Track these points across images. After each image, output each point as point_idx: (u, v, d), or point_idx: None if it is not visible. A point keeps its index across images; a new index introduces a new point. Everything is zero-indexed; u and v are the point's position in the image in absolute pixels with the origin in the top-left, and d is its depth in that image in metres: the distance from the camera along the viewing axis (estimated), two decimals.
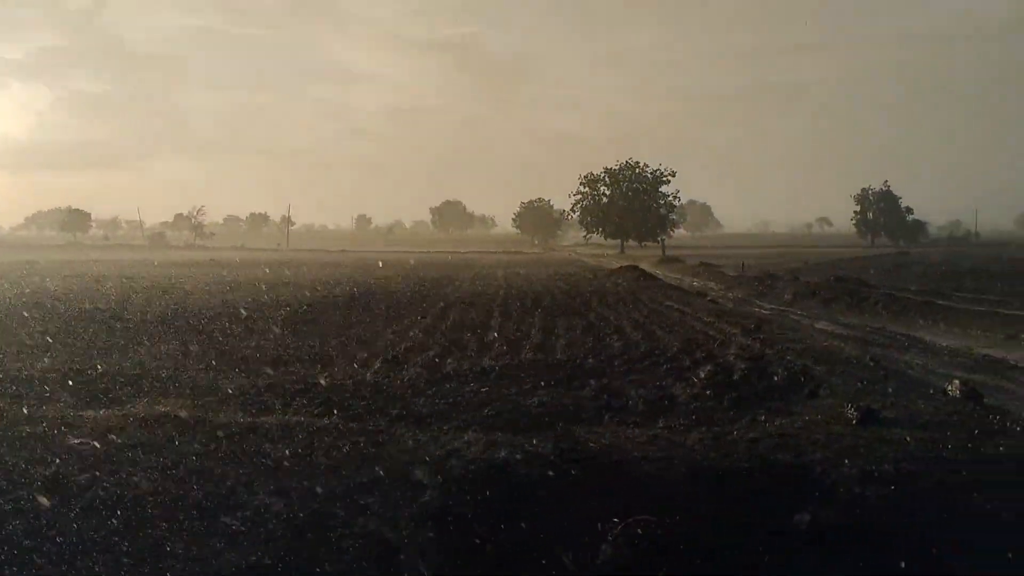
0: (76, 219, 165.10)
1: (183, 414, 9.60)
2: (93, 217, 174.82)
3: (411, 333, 18.70)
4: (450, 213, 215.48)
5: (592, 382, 12.50)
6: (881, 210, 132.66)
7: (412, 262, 63.36)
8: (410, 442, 8.48)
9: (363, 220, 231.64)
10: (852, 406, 9.69)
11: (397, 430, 9.14)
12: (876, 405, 9.98)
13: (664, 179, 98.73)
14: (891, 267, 46.33)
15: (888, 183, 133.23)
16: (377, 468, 7.53)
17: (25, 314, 21.19)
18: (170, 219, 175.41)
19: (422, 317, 22.21)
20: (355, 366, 14.17)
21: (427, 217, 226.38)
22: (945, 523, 6.44)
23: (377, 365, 14.16)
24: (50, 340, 16.58)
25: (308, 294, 29.52)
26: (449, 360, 14.69)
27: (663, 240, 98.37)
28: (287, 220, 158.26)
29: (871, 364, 14.53)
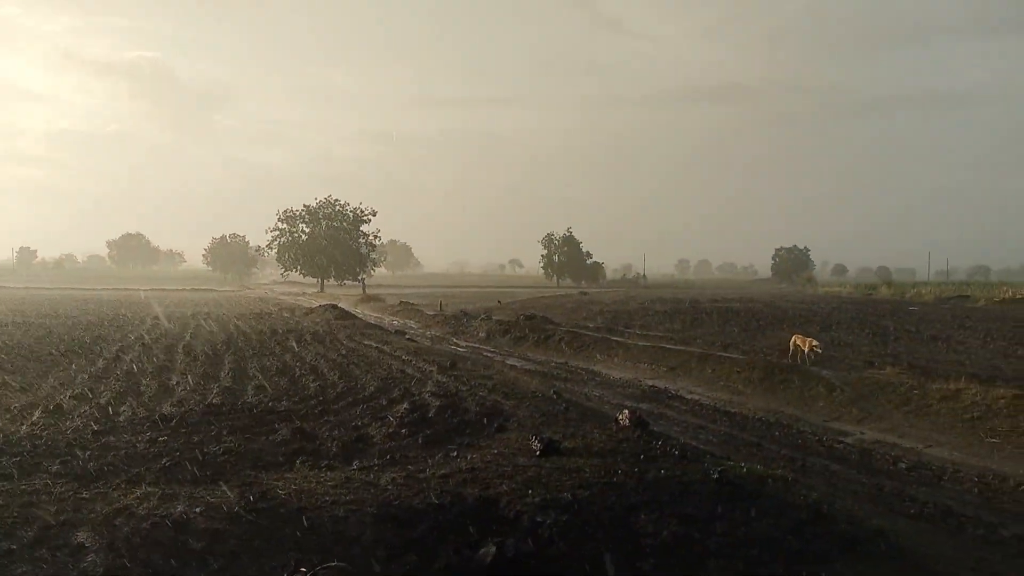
0: None
1: None
2: None
3: (79, 379, 16.83)
4: (131, 247, 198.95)
5: (285, 425, 12.02)
6: (565, 253, 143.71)
7: (84, 299, 57.45)
8: (71, 501, 7.52)
9: (26, 253, 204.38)
10: (536, 438, 10.23)
11: (56, 488, 8.07)
12: (557, 436, 10.63)
13: (365, 218, 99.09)
14: (574, 306, 50.18)
15: (571, 229, 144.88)
16: (29, 532, 6.59)
17: None
18: None
19: (94, 361, 20.12)
20: (7, 418, 12.40)
21: (104, 251, 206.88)
22: (615, 543, 6.97)
23: (36, 415, 12.52)
24: None
25: None
26: (123, 408, 13.39)
27: (363, 279, 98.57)
28: None
29: (554, 397, 15.54)
